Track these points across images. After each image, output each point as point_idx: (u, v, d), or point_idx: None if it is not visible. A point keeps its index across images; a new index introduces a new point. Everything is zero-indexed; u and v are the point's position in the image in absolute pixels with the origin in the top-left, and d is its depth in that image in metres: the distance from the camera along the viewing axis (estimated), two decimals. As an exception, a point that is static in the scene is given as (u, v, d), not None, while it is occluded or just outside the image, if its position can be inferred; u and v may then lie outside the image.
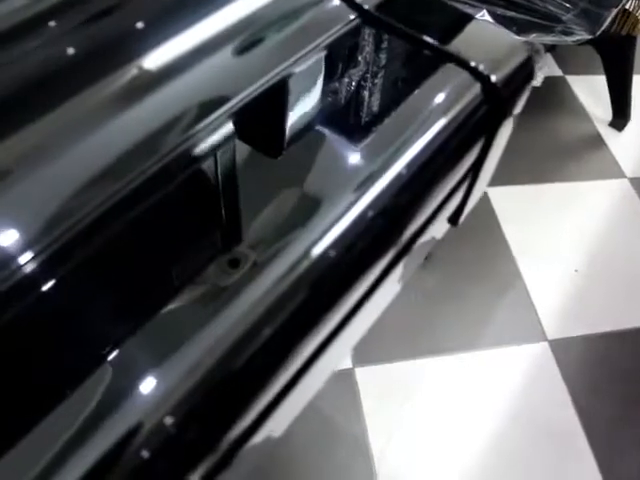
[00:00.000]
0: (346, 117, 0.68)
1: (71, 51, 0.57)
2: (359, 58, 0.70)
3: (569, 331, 1.64)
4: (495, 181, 1.91)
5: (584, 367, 1.59)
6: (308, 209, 0.58)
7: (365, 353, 1.54)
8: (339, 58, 0.68)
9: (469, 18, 0.73)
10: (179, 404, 0.46)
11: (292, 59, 0.61)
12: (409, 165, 0.61)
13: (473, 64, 0.67)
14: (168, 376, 0.47)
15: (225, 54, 0.60)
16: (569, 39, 1.04)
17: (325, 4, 0.66)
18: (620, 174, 2.02)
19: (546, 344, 1.61)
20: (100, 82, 0.57)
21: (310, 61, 0.62)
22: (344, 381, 1.49)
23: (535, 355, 1.59)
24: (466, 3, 1.07)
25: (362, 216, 0.58)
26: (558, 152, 2.04)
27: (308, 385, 0.61)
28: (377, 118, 0.66)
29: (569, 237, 1.84)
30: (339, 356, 0.75)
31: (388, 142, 0.61)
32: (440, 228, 0.83)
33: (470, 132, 0.68)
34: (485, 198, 1.87)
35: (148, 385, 0.47)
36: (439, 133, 0.63)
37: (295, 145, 0.65)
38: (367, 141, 0.63)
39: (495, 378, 1.53)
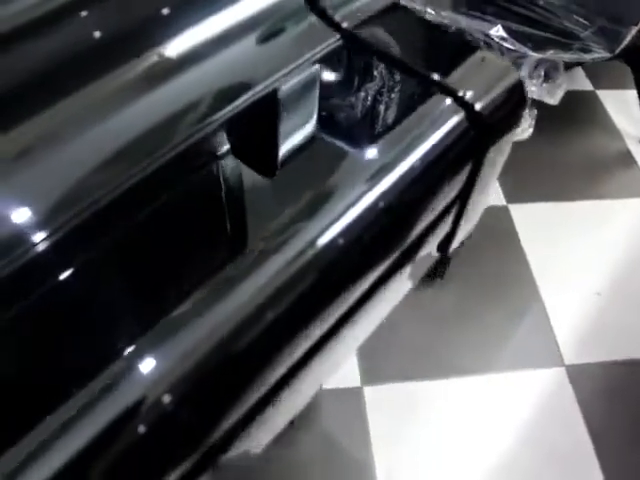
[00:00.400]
0: (325, 144, 0.64)
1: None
2: (339, 83, 0.67)
3: (587, 357, 1.58)
4: (517, 198, 1.86)
5: (601, 394, 1.53)
6: (284, 239, 0.56)
7: (375, 371, 1.51)
8: (319, 82, 0.65)
9: (457, 41, 0.69)
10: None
11: (265, 83, 0.58)
12: (386, 194, 0.57)
13: (457, 91, 0.63)
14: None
15: (200, 74, 0.58)
16: (587, 57, 0.99)
17: (307, 26, 0.63)
18: (650, 192, 1.95)
19: (563, 369, 1.55)
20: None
21: (288, 84, 0.59)
22: (351, 400, 1.46)
23: (551, 380, 1.53)
24: (481, 18, 1.02)
25: (339, 242, 0.55)
26: (585, 169, 1.97)
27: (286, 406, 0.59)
28: (353, 146, 0.63)
29: (593, 258, 1.77)
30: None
31: (364, 171, 0.58)
32: (428, 256, 0.80)
33: (453, 160, 0.64)
34: (506, 216, 1.82)
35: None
36: (418, 161, 0.60)
37: (280, 170, 0.62)
38: (345, 169, 0.60)
39: (508, 402, 1.48)
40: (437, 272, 1.63)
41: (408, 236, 0.64)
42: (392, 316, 1.56)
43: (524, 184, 1.89)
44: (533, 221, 1.82)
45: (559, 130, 2.03)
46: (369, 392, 1.47)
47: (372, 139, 0.62)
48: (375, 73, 0.66)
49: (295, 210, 0.56)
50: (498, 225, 1.79)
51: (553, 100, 1.07)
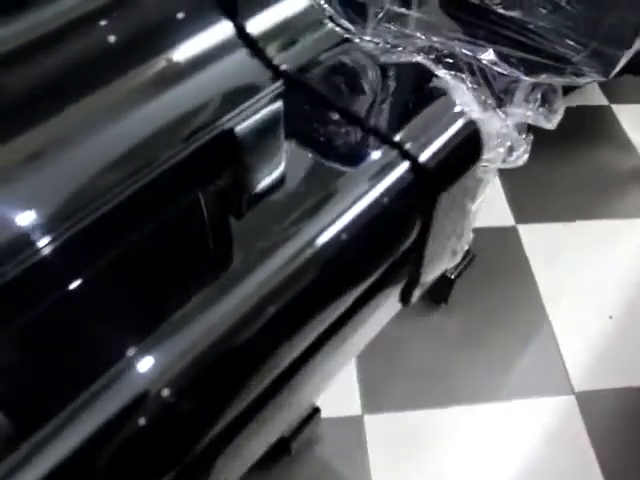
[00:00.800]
0: (259, 195, 0.61)
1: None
2: (271, 131, 0.63)
3: (598, 384, 1.53)
4: (527, 218, 1.81)
5: (612, 423, 1.47)
6: (220, 296, 0.53)
7: (376, 400, 1.47)
8: (252, 130, 0.62)
9: (408, 83, 0.66)
10: None
11: (203, 131, 0.55)
12: (323, 252, 0.54)
13: (401, 141, 0.59)
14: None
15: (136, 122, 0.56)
16: (582, 80, 0.95)
17: (244, 70, 0.60)
18: (667, 211, 1.89)
19: (572, 397, 1.50)
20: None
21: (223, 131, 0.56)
22: (351, 429, 1.42)
23: (559, 408, 1.48)
24: (472, 43, 0.99)
25: (275, 301, 0.52)
26: (598, 187, 1.92)
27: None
28: (285, 201, 0.60)
29: (605, 280, 1.72)
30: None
31: (295, 233, 0.55)
32: (388, 308, 0.76)
33: (397, 215, 0.60)
34: (515, 237, 1.77)
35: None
36: (355, 219, 0.57)
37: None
38: (279, 225, 0.57)
39: (514, 432, 1.43)
40: (441, 297, 1.60)
41: (350, 292, 0.61)
42: (395, 341, 1.53)
43: (534, 203, 1.84)
44: (543, 242, 1.77)
45: (571, 147, 1.98)
46: (370, 421, 1.43)
47: (308, 193, 0.59)
48: (315, 121, 0.63)
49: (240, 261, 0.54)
50: (506, 246, 1.75)
51: (550, 125, 1.03)
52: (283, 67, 0.64)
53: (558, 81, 0.98)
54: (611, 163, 1.99)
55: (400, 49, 1.10)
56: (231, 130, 0.57)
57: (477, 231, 1.53)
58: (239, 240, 0.57)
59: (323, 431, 1.38)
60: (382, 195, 0.58)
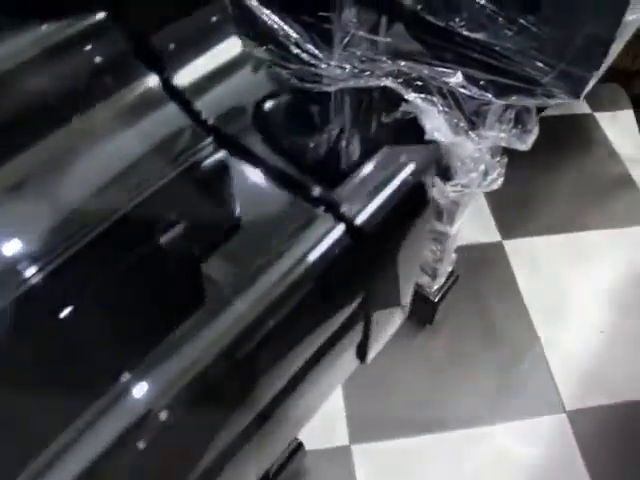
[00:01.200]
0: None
1: None
2: (200, 192, 0.60)
3: (590, 400, 1.50)
4: (512, 233, 1.78)
5: (605, 441, 1.44)
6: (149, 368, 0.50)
7: (364, 428, 1.44)
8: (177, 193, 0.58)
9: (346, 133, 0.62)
10: None
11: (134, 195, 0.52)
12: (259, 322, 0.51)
13: (335, 203, 0.56)
14: None
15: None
16: (552, 102, 0.92)
17: (170, 128, 0.57)
18: (653, 220, 1.86)
19: (564, 416, 1.47)
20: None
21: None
22: (339, 459, 1.39)
23: (551, 428, 1.45)
24: (441, 66, 0.96)
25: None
26: (583, 197, 1.89)
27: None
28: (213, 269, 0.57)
29: (595, 294, 1.69)
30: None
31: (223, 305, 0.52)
32: (345, 366, 0.73)
33: (334, 282, 0.57)
34: (501, 252, 1.75)
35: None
36: (289, 287, 0.53)
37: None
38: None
39: (506, 457, 1.40)
40: (425, 318, 1.57)
41: (294, 357, 0.58)
42: (380, 367, 1.50)
43: (520, 217, 1.81)
44: (529, 257, 1.74)
45: (555, 157, 1.95)
46: (358, 450, 1.40)
47: (242, 259, 0.55)
48: (244, 179, 0.60)
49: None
50: (492, 262, 1.72)
51: (525, 146, 1.00)
52: (211, 122, 0.60)
53: (530, 102, 0.95)
54: (596, 172, 1.97)
55: (367, 73, 1.07)
56: (157, 193, 0.54)
57: (461, 249, 1.51)
58: (170, 310, 0.54)
59: (310, 464, 1.35)
60: (316, 262, 0.55)
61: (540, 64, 0.88)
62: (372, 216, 0.57)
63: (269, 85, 0.68)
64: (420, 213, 0.63)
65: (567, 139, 2.05)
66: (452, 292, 1.53)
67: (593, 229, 1.82)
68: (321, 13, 1.08)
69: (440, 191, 1.10)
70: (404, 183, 0.61)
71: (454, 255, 1.46)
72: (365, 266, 0.60)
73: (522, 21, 0.86)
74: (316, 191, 0.58)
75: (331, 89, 1.11)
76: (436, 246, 1.34)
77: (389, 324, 0.76)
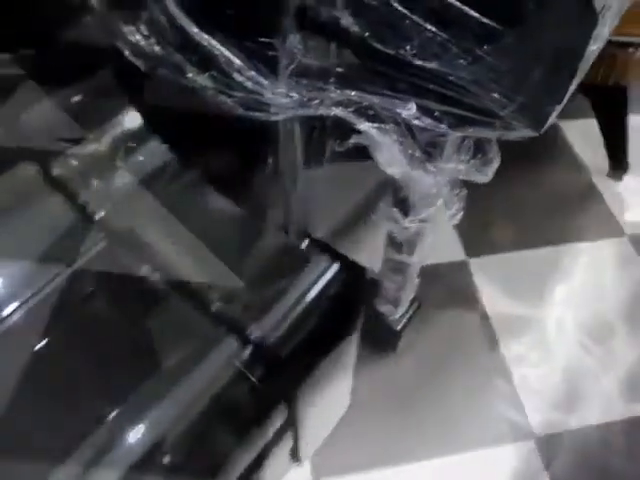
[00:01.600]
0: None
1: None
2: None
3: (560, 425, 1.46)
4: (477, 250, 1.73)
5: (573, 465, 1.39)
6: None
7: (328, 463, 1.37)
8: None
9: (254, 246, 0.55)
10: None
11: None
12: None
13: (241, 326, 0.49)
14: None
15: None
16: (512, 134, 0.86)
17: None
18: (619, 232, 1.82)
19: (532, 443, 1.42)
20: None
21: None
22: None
23: (520, 456, 1.40)
24: (393, 97, 0.90)
25: None
26: (548, 211, 1.85)
27: None
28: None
29: (562, 313, 1.64)
30: None
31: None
32: (280, 468, 0.66)
33: (251, 403, 0.50)
34: (466, 271, 1.69)
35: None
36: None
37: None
38: None
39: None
40: (388, 346, 1.51)
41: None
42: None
43: (484, 234, 1.76)
44: (495, 275, 1.69)
45: (520, 170, 1.90)
46: (322, 487, 1.34)
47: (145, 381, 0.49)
48: (141, 292, 0.53)
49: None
50: (457, 283, 1.67)
51: (485, 177, 0.94)
52: (98, 216, 0.53)
53: (488, 134, 0.89)
54: (560, 184, 1.92)
55: (317, 102, 1.01)
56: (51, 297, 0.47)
57: (425, 268, 1.45)
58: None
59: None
60: (223, 391, 0.48)
61: (497, 96, 0.82)
62: (284, 338, 0.50)
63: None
64: (348, 331, 0.55)
65: (531, 149, 2.00)
66: (416, 316, 1.48)
67: (559, 244, 1.77)
68: (264, 39, 1.01)
69: (398, 226, 1.04)
70: (329, 299, 0.53)
71: (417, 280, 1.41)
72: (285, 385, 0.53)
73: (478, 51, 0.80)
74: (218, 307, 0.50)
75: (279, 118, 1.04)
76: (396, 276, 1.28)
77: (323, 425, 0.69)
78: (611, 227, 1.84)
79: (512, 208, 1.84)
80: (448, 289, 1.65)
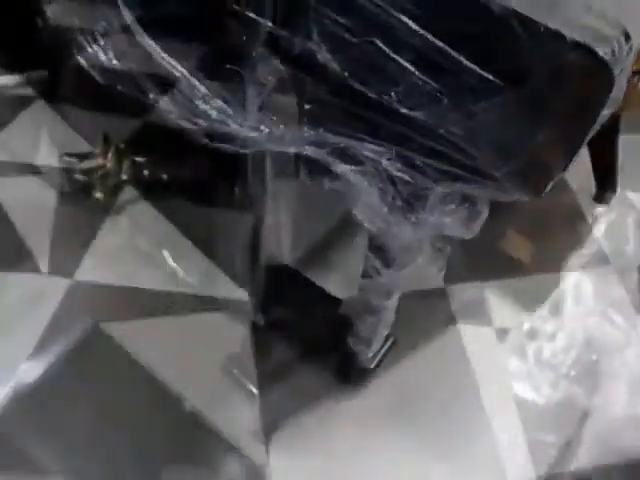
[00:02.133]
0: None
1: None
2: None
3: (535, 469, 1.38)
4: (456, 277, 1.63)
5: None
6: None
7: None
8: None
9: None
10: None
11: None
12: None
13: None
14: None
15: None
16: (506, 197, 0.76)
17: None
18: (604, 260, 1.74)
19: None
20: None
21: None
22: None
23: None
24: (373, 144, 0.80)
25: None
26: (531, 236, 1.76)
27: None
28: None
29: (542, 344, 1.56)
30: None
31: None
32: None
33: None
34: (444, 300, 1.60)
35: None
36: None
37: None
38: None
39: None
40: (360, 384, 1.42)
41: None
42: (313, 435, 1.35)
43: (464, 261, 1.66)
44: (475, 305, 1.60)
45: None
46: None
47: None
48: None
49: None
50: (434, 312, 1.58)
51: (470, 232, 0.84)
52: None
53: (477, 193, 0.79)
54: (543, 207, 1.81)
55: (289, 138, 0.90)
56: None
57: (402, 298, 1.35)
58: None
59: None
60: None
61: (493, 156, 0.72)
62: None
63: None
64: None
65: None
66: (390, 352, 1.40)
67: (542, 272, 1.69)
68: (231, 66, 0.91)
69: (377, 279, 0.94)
70: None
71: (394, 315, 1.32)
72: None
73: (473, 107, 0.69)
74: None
75: (246, 151, 0.94)
76: (372, 317, 1.18)
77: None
78: (596, 255, 1.76)
79: (494, 232, 1.74)
80: (426, 316, 1.55)
